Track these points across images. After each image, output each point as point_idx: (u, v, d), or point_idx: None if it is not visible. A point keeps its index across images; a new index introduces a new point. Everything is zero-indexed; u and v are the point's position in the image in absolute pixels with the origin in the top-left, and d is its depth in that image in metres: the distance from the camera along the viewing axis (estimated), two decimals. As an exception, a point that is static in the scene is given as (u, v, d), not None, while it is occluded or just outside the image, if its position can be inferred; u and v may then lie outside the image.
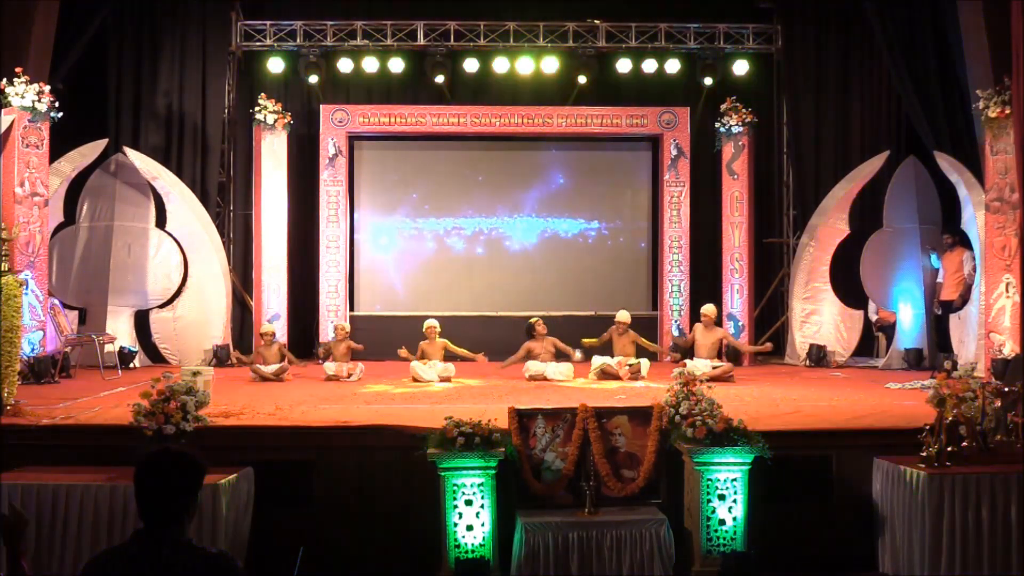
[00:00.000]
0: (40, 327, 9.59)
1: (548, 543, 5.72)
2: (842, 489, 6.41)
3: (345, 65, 12.45)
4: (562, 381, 9.62)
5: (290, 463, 6.38)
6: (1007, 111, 9.17)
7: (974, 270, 10.37)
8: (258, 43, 12.64)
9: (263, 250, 12.17)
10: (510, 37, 12.48)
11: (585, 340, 10.30)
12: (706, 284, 12.53)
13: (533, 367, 9.88)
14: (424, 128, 12.72)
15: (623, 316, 10.32)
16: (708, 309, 10.38)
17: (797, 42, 12.77)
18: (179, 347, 11.60)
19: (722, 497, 5.87)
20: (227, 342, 11.65)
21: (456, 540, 5.82)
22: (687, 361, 9.70)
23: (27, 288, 8.96)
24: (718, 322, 10.73)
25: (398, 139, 12.99)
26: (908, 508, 5.79)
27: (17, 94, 9.44)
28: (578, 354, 10.37)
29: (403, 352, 10.01)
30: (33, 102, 9.51)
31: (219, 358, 11.28)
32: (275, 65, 12.51)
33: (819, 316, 11.99)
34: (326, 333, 12.15)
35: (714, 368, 9.67)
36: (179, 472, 3.00)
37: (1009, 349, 9.12)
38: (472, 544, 5.81)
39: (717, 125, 12.32)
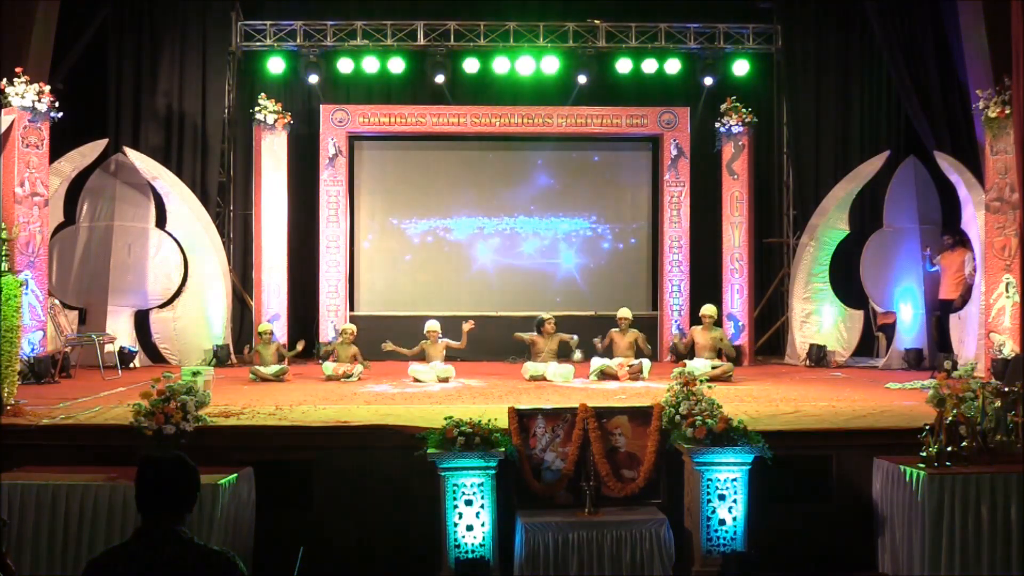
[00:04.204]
0: (40, 327, 9.59)
1: (548, 543, 5.72)
2: (842, 489, 6.41)
3: (345, 65, 12.44)
4: (562, 382, 9.62)
5: (290, 463, 6.39)
6: (1007, 111, 9.17)
7: (975, 271, 10.37)
8: (258, 43, 12.64)
9: (263, 250, 12.16)
10: (510, 37, 12.47)
11: (596, 341, 10.15)
12: (706, 284, 12.51)
13: (533, 367, 9.87)
14: (424, 128, 12.71)
15: (624, 313, 10.31)
16: (708, 310, 10.36)
17: (797, 42, 12.77)
18: (179, 347, 11.60)
19: (722, 497, 5.87)
20: (227, 342, 11.66)
21: (456, 540, 5.82)
22: (687, 361, 9.69)
23: (27, 288, 8.96)
24: (718, 322, 10.72)
25: (398, 139, 12.99)
26: (908, 508, 5.79)
27: (17, 94, 9.44)
28: (578, 354, 10.36)
29: (387, 346, 10.01)
30: (33, 102, 9.51)
31: (219, 358, 11.28)
32: (275, 65, 12.51)
33: (819, 316, 11.99)
34: (326, 333, 12.15)
35: (714, 368, 9.66)
36: (179, 475, 3.01)
37: (1009, 349, 9.12)
38: (472, 544, 5.82)
39: (717, 125, 12.30)
